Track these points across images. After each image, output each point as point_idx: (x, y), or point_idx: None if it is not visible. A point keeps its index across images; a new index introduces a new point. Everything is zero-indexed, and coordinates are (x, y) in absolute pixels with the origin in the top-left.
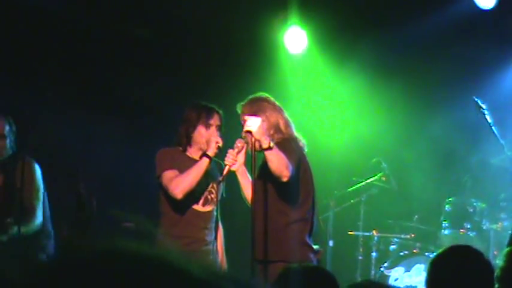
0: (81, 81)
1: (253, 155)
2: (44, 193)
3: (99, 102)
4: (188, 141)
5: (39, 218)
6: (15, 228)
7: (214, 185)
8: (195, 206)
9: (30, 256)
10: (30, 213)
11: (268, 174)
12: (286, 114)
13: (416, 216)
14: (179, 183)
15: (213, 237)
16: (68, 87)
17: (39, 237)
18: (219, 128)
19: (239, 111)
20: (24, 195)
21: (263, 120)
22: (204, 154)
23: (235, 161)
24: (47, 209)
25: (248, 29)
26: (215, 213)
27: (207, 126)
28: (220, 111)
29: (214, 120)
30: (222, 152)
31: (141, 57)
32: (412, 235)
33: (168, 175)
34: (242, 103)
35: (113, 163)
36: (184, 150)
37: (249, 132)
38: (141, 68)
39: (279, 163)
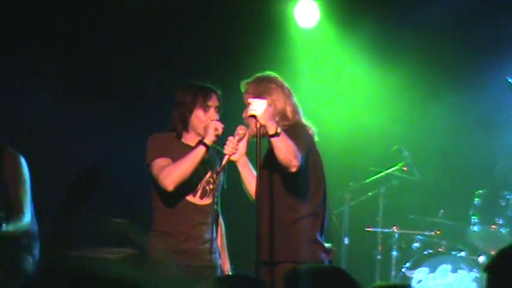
0: (67, 63)
1: (258, 142)
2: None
3: (86, 85)
4: (184, 127)
5: (27, 216)
6: (5, 226)
7: (214, 175)
8: (190, 199)
9: (12, 258)
10: (18, 210)
11: (274, 164)
12: (294, 99)
13: (441, 211)
14: (170, 173)
15: (212, 234)
16: (54, 73)
17: (22, 237)
18: (218, 110)
19: (243, 90)
20: (10, 191)
21: (269, 104)
22: (201, 142)
23: (236, 149)
24: (32, 207)
25: None
26: (214, 206)
27: (205, 108)
28: (219, 91)
29: (213, 101)
30: (221, 139)
31: (131, 31)
32: (437, 232)
33: (159, 163)
34: (247, 81)
35: (101, 152)
36: (180, 136)
37: (254, 116)
38: (131, 43)
39: (286, 151)
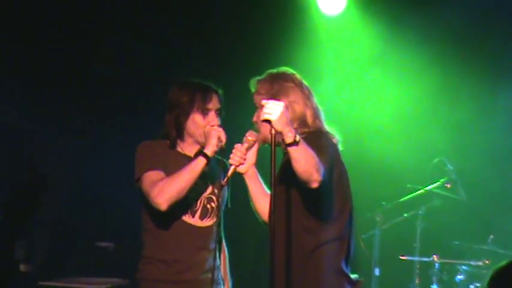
0: (40, 52)
1: (272, 153)
2: None
3: (64, 81)
4: (179, 134)
5: None
6: None
7: (216, 191)
8: (188, 220)
9: None
10: None
11: (291, 178)
12: (315, 101)
13: (491, 237)
14: (164, 189)
15: (215, 261)
16: (23, 65)
17: None
18: (219, 113)
19: (253, 89)
20: None
21: (286, 107)
22: (201, 152)
23: (244, 159)
24: None
25: None
26: (217, 228)
27: (204, 111)
28: (220, 91)
29: (213, 103)
30: (226, 149)
31: (117, 13)
32: (486, 262)
33: (150, 177)
34: (259, 78)
35: (82, 163)
36: (174, 144)
37: (268, 121)
38: (118, 28)
39: (306, 163)
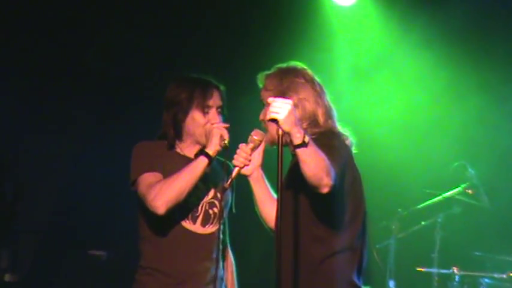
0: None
1: (279, 154)
2: None
3: (54, 76)
4: (177, 133)
5: None
6: None
7: (218, 195)
8: (189, 226)
9: None
10: None
11: (300, 182)
12: (327, 99)
13: None
14: (162, 192)
15: (217, 271)
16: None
17: None
18: (221, 111)
19: (260, 85)
20: None
21: (295, 105)
22: (202, 151)
23: (249, 161)
24: None
25: None
26: (221, 236)
27: (205, 109)
28: (221, 87)
29: (214, 100)
30: (230, 150)
31: (118, 6)
32: (511, 274)
33: (147, 179)
34: (267, 73)
35: (73, 165)
36: (172, 145)
37: (275, 120)
38: (118, 22)
39: (316, 166)
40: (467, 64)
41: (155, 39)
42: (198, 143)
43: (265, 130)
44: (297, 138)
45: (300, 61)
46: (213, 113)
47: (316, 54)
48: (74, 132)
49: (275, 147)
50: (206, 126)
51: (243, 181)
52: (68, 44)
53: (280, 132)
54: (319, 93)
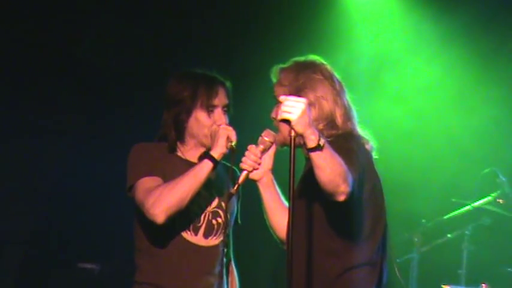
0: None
1: (291, 157)
2: None
3: (41, 71)
4: (179, 135)
5: None
6: None
7: (223, 204)
8: (190, 237)
9: None
10: None
11: (314, 189)
12: (347, 98)
13: None
14: (162, 198)
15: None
16: None
17: None
18: (227, 110)
19: (274, 80)
20: None
21: (311, 104)
22: (207, 154)
23: (259, 164)
24: None
25: None
26: (225, 249)
27: (209, 108)
28: (227, 83)
29: (220, 99)
30: (238, 153)
31: None
32: None
33: (146, 184)
34: (282, 66)
35: (62, 169)
36: (173, 148)
37: (286, 121)
38: (110, 12)
39: (332, 172)
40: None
41: (154, 30)
42: (202, 145)
43: (276, 130)
44: (311, 140)
45: (316, 54)
46: (218, 113)
47: (331, 52)
48: (63, 134)
49: (287, 148)
50: (211, 127)
51: (251, 187)
52: (54, 36)
53: (292, 133)
54: (338, 92)
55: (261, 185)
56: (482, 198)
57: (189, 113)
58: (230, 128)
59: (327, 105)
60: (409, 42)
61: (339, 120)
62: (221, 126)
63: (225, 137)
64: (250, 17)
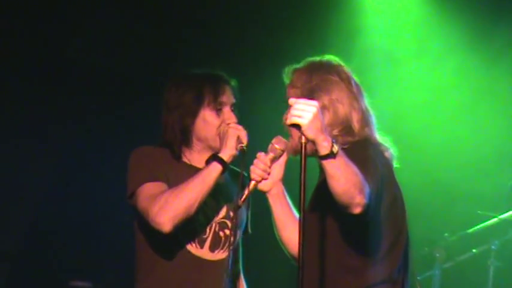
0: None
1: (302, 166)
2: None
3: (31, 71)
4: (185, 139)
5: None
6: None
7: (231, 214)
8: (195, 250)
9: None
10: None
11: (328, 201)
12: (365, 102)
13: None
14: (168, 205)
15: None
16: None
17: None
18: (234, 109)
19: (287, 81)
20: None
21: (324, 108)
22: (215, 156)
23: (268, 174)
24: None
25: None
26: (232, 263)
27: (218, 107)
28: (233, 82)
29: (227, 97)
30: (247, 160)
31: None
32: None
33: (149, 190)
34: (295, 67)
35: (53, 177)
36: (179, 153)
37: (297, 125)
38: (106, 7)
39: (347, 182)
40: None
41: (153, 28)
42: (210, 149)
43: (288, 137)
44: (324, 147)
45: (330, 52)
46: (227, 112)
47: (346, 51)
48: (59, 138)
49: (299, 157)
50: (221, 127)
51: (261, 197)
52: (50, 35)
53: (303, 139)
54: (355, 95)
55: (270, 196)
56: (510, 210)
57: (195, 114)
58: (241, 128)
59: (343, 109)
60: (420, 39)
61: (356, 125)
62: (231, 125)
63: (235, 137)
64: (261, 15)
